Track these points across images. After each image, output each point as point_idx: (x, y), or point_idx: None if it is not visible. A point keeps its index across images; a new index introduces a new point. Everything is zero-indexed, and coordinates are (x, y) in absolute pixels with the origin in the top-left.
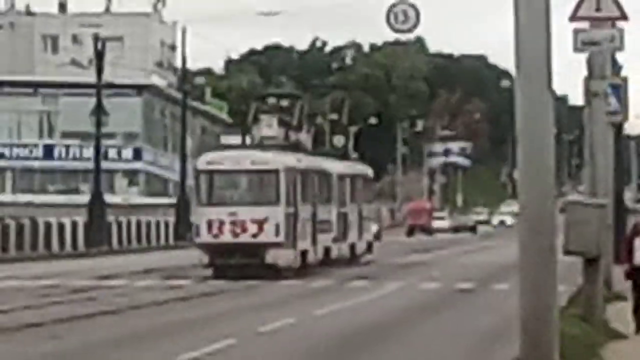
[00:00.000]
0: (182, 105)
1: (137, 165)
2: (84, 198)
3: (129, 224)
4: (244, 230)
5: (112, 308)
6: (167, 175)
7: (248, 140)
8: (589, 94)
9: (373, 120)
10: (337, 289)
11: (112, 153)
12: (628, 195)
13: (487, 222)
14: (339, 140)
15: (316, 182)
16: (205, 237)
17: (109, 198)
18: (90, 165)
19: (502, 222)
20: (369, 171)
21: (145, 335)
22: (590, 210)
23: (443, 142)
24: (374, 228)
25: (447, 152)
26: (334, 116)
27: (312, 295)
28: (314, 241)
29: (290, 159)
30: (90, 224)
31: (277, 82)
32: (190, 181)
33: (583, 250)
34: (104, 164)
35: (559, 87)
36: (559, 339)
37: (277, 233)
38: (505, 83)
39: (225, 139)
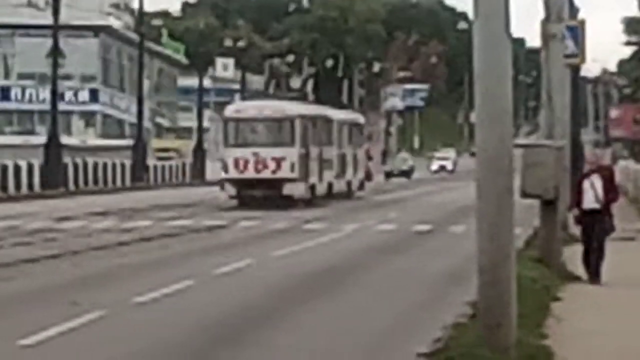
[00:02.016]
0: (138, 47)
1: (94, 107)
2: (41, 140)
3: (85, 165)
4: (265, 167)
5: (70, 250)
6: (123, 117)
7: None
8: (546, 36)
9: (330, 63)
10: (295, 231)
11: (68, 95)
12: (585, 138)
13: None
14: (295, 82)
15: (321, 127)
16: (232, 172)
17: (65, 140)
18: (46, 107)
19: (442, 168)
20: (361, 118)
21: (102, 277)
22: (547, 152)
23: (400, 84)
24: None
25: (403, 95)
26: (291, 58)
27: (270, 237)
28: (321, 177)
29: (302, 108)
30: (47, 166)
31: (234, 24)
32: (146, 123)
33: (540, 192)
34: (61, 106)
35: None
36: (515, 281)
37: (292, 169)
38: (462, 25)
39: (182, 81)
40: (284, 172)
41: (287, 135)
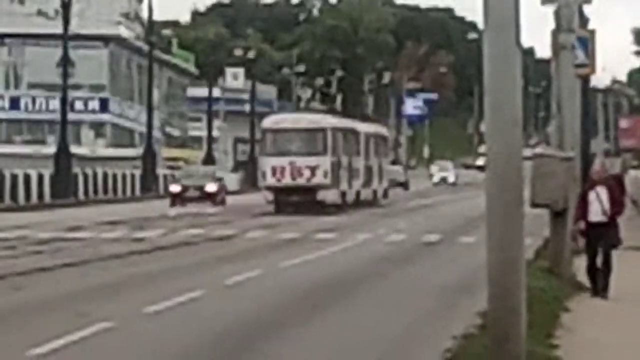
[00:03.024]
0: (148, 57)
1: (104, 116)
2: (51, 149)
3: (95, 175)
4: (300, 174)
5: (79, 260)
6: (133, 127)
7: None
8: (556, 46)
9: (340, 73)
10: (304, 241)
11: (78, 104)
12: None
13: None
14: (305, 92)
15: (350, 138)
16: (270, 180)
17: (75, 150)
18: (56, 116)
19: (443, 180)
20: (385, 131)
21: (111, 287)
22: (557, 163)
23: (410, 94)
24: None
25: (414, 104)
26: (301, 68)
27: (278, 247)
28: (350, 185)
29: (334, 121)
30: (57, 176)
31: (243, 34)
32: (155, 133)
33: (550, 202)
34: (71, 116)
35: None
36: (525, 292)
37: (325, 177)
38: (472, 35)
39: (192, 91)
40: (318, 179)
41: (320, 145)
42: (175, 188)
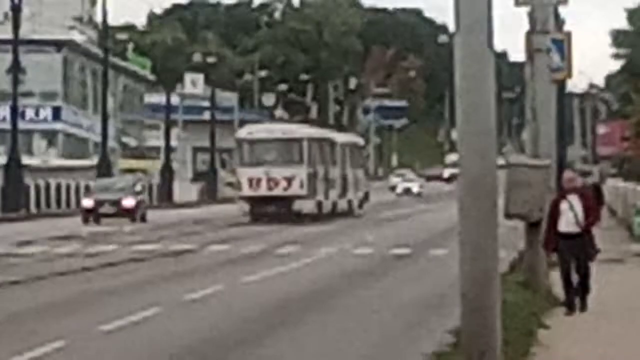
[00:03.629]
0: (103, 62)
1: (56, 125)
2: (0, 160)
3: (47, 187)
4: (277, 185)
5: (29, 276)
6: (87, 136)
7: None
8: (530, 49)
9: (304, 78)
10: (267, 255)
11: (29, 113)
12: (571, 155)
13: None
14: (268, 99)
15: (326, 148)
16: (246, 191)
17: (26, 160)
18: (6, 125)
19: (407, 190)
20: (361, 141)
21: (66, 304)
22: (532, 172)
23: (377, 100)
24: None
25: (381, 111)
26: (263, 74)
27: (240, 262)
28: (326, 195)
29: (310, 131)
30: (7, 188)
31: (202, 38)
32: (111, 142)
33: (525, 213)
34: (21, 125)
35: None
36: (500, 307)
37: (301, 187)
38: (442, 38)
39: (149, 98)
40: (294, 190)
41: (296, 155)
42: (87, 203)
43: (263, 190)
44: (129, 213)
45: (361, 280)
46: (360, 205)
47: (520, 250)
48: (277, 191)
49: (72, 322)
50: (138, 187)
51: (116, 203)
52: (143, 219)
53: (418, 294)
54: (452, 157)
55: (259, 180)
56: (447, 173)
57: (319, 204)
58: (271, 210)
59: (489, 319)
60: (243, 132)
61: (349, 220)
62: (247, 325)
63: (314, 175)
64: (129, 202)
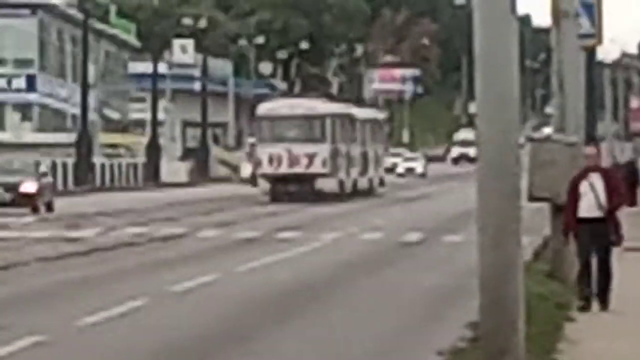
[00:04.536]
0: (83, 27)
1: (31, 96)
2: None
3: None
4: (298, 162)
5: (2, 264)
6: (65, 109)
7: None
8: (557, 13)
9: (305, 45)
10: (264, 241)
11: (1, 82)
12: (602, 131)
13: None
14: (265, 68)
15: (347, 125)
16: (267, 168)
17: None
18: None
19: (410, 170)
20: (381, 116)
21: (41, 295)
22: (558, 149)
23: (386, 69)
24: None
25: (391, 81)
26: (260, 40)
27: (234, 249)
28: (348, 173)
29: (332, 106)
30: None
31: (193, 0)
32: (91, 115)
33: (551, 195)
34: None
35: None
36: (523, 299)
37: (324, 165)
38: (459, 0)
39: (134, 66)
40: (316, 168)
41: (318, 132)
42: None
43: (284, 168)
44: (29, 200)
45: (368, 270)
46: (382, 183)
47: (545, 236)
48: (299, 169)
49: (49, 315)
50: (43, 168)
51: (13, 188)
52: (49, 207)
53: (431, 284)
54: (461, 134)
55: (279, 158)
56: (455, 152)
57: (341, 183)
58: (292, 189)
59: (510, 312)
60: (263, 109)
61: (370, 199)
62: (241, 319)
63: (336, 153)
64: (29, 187)
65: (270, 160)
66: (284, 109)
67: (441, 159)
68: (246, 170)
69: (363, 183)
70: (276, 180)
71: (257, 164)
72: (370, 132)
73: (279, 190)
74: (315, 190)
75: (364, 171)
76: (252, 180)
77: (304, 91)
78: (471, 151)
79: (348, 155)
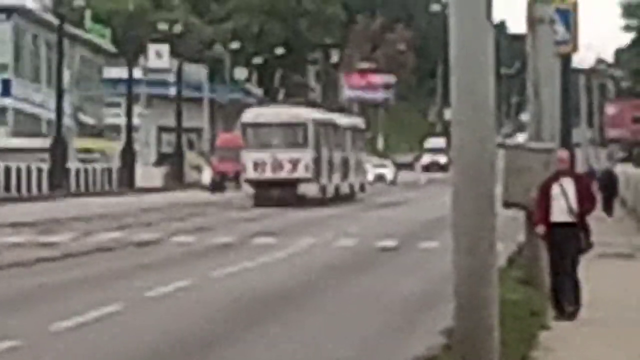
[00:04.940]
0: (57, 32)
1: (5, 101)
2: None
3: None
4: (282, 168)
5: None
6: (40, 114)
7: None
8: (532, 20)
9: (280, 50)
10: (239, 247)
11: None
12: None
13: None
14: (241, 73)
15: (330, 132)
16: (252, 174)
17: None
18: None
19: (380, 177)
20: (362, 123)
21: (14, 300)
22: (533, 156)
23: (362, 75)
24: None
25: (366, 87)
26: (235, 45)
27: (209, 254)
28: (330, 178)
29: (314, 114)
30: None
31: (168, 5)
32: (66, 120)
33: (525, 202)
34: None
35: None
36: (498, 306)
37: (306, 170)
38: (434, 7)
39: (109, 71)
40: (300, 173)
41: (301, 138)
42: None
43: (268, 174)
44: None
45: (343, 276)
46: (362, 189)
47: (519, 242)
48: (283, 174)
49: (23, 320)
50: None
51: None
52: None
53: (406, 290)
54: (432, 141)
55: (264, 164)
56: (426, 160)
57: (323, 188)
58: (276, 193)
59: (485, 318)
60: (248, 116)
61: (352, 204)
62: (216, 324)
63: (319, 159)
64: None
65: (255, 166)
66: (268, 117)
67: (410, 166)
68: (206, 175)
69: (344, 188)
70: (260, 184)
71: (242, 169)
72: (351, 139)
73: (263, 195)
74: (298, 195)
75: (345, 176)
76: (213, 186)
77: (286, 98)
78: (442, 159)
79: (330, 161)
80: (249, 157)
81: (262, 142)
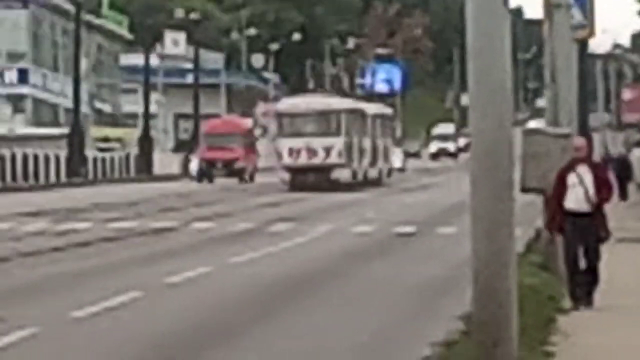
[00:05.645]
0: (75, 20)
1: (23, 89)
2: None
3: (13, 158)
4: (315, 154)
5: None
6: (57, 102)
7: None
8: (549, 5)
9: (297, 37)
10: (259, 233)
11: None
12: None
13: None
14: (257, 60)
15: (360, 120)
16: (287, 160)
17: None
18: None
19: None
20: (389, 111)
21: (33, 288)
22: (551, 141)
23: (378, 61)
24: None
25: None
26: (252, 32)
27: (229, 240)
28: (360, 164)
29: (346, 102)
30: None
31: None
32: (83, 108)
33: (543, 187)
34: None
35: None
36: (516, 291)
37: (339, 156)
38: None
39: (126, 59)
40: (333, 159)
41: (334, 126)
42: None
43: (303, 160)
44: None
45: (361, 262)
46: (389, 174)
47: (537, 227)
48: (317, 160)
49: (44, 307)
50: None
51: None
52: None
53: (424, 276)
54: (440, 129)
55: (299, 151)
56: (434, 147)
57: (354, 173)
58: (310, 179)
59: (503, 304)
60: (283, 106)
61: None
62: (235, 311)
63: (350, 145)
64: None
65: (290, 153)
66: (302, 106)
67: (416, 155)
68: (194, 164)
69: (373, 173)
70: (295, 171)
71: (277, 156)
72: (379, 126)
73: (298, 180)
74: (331, 179)
75: (373, 162)
76: (200, 175)
77: (316, 88)
78: (450, 146)
79: (360, 148)
80: (284, 145)
81: (297, 130)
